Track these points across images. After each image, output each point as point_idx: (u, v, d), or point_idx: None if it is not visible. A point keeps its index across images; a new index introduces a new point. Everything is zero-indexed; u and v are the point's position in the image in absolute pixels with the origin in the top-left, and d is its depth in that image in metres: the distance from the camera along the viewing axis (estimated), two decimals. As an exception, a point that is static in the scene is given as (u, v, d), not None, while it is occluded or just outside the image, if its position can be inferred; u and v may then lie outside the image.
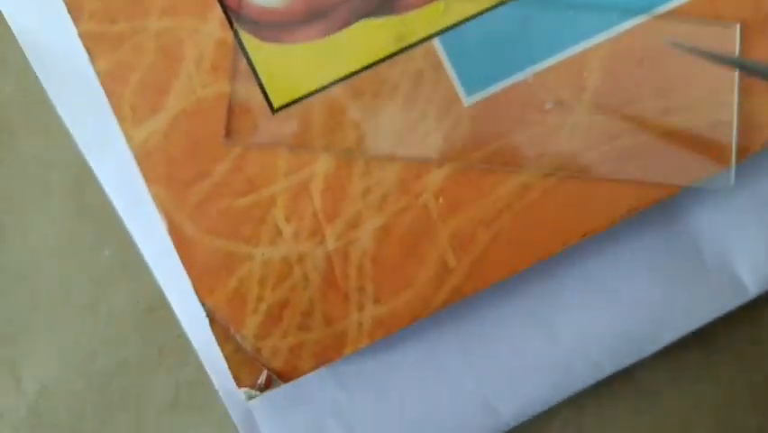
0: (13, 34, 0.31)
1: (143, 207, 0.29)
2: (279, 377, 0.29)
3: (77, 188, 0.34)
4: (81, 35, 0.29)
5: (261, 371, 0.28)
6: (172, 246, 0.28)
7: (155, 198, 0.28)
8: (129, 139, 0.28)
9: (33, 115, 0.35)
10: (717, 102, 0.28)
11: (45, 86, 0.31)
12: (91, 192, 0.33)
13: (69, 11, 0.29)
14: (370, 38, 0.28)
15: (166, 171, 0.28)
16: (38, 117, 0.34)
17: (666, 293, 0.31)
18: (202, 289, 0.28)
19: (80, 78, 0.30)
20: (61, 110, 0.31)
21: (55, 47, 0.30)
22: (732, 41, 0.28)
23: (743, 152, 0.28)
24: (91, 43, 0.28)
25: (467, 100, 0.28)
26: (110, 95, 0.28)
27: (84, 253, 0.34)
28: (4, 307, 0.35)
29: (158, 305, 0.33)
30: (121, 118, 0.28)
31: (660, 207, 0.28)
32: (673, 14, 0.28)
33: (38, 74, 0.32)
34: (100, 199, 0.32)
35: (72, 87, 0.30)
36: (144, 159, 0.28)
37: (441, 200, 0.28)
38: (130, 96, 0.28)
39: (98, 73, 0.28)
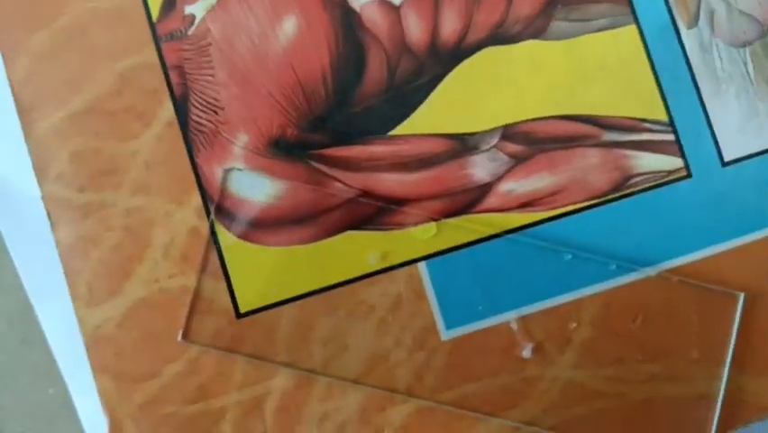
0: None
1: (91, 393, 0.27)
2: None
3: (26, 316, 0.32)
4: (44, 198, 0.27)
5: None
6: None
7: (100, 390, 0.26)
8: (80, 321, 0.26)
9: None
10: (706, 374, 0.27)
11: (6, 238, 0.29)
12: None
13: (35, 168, 0.27)
14: (353, 252, 0.26)
15: (115, 364, 0.26)
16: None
17: None
18: (133, 496, 0.26)
19: (39, 231, 0.28)
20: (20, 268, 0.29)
21: (19, 200, 0.28)
22: (733, 310, 0.27)
23: (722, 428, 0.27)
24: (54, 208, 0.27)
25: (445, 334, 0.26)
26: (67, 268, 0.26)
27: (25, 386, 0.33)
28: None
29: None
30: (75, 296, 0.26)
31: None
32: (676, 273, 0.27)
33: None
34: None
35: (34, 248, 0.28)
36: (94, 346, 0.26)
37: (402, 439, 0.27)
38: (88, 275, 0.26)
39: (58, 243, 0.26)
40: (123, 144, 0.26)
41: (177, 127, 0.26)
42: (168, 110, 0.27)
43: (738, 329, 0.27)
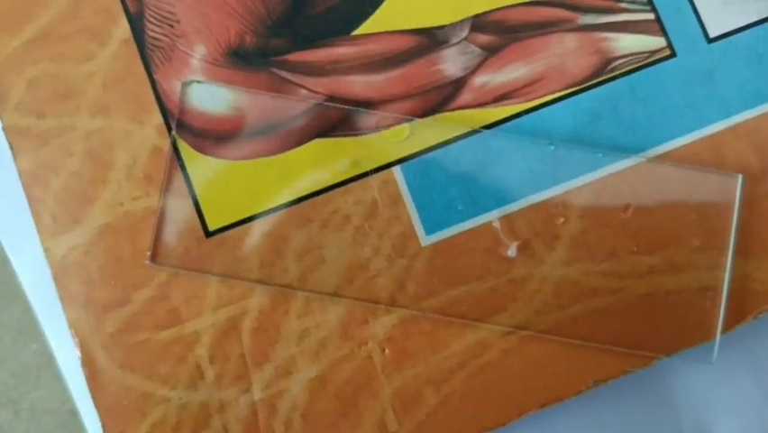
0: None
1: (63, 321, 0.26)
2: None
3: (3, 273, 0.32)
4: (5, 128, 0.26)
5: None
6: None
7: (70, 321, 0.25)
8: (47, 251, 0.25)
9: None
10: (708, 263, 0.25)
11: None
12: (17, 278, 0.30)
13: (-6, 98, 0.26)
14: (323, 160, 0.25)
15: (84, 293, 0.25)
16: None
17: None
18: (111, 430, 0.24)
19: (4, 170, 0.27)
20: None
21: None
22: (732, 193, 0.25)
23: (730, 322, 0.25)
24: (15, 138, 0.26)
25: (425, 239, 0.25)
26: (31, 198, 0.25)
27: (7, 343, 0.32)
28: None
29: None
30: (40, 226, 0.25)
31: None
32: (669, 158, 0.26)
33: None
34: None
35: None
36: (62, 276, 0.25)
37: (387, 352, 0.25)
38: (51, 203, 0.25)
39: (20, 172, 0.25)
40: (80, 67, 0.25)
41: (133, 45, 0.25)
42: (123, 28, 0.26)
43: (739, 213, 0.25)
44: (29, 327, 0.30)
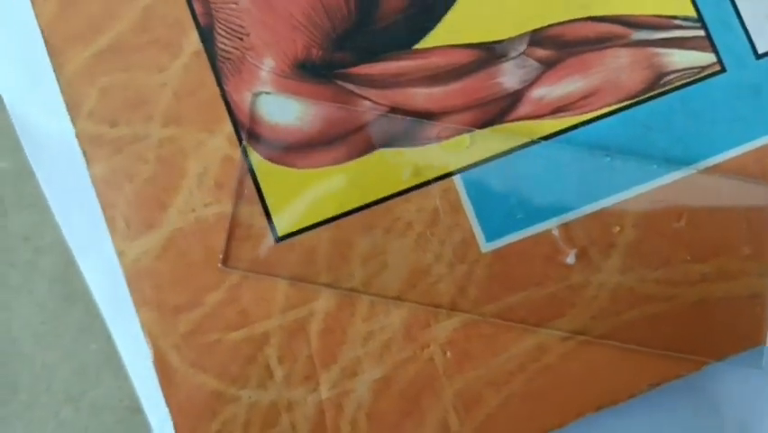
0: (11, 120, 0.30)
1: (130, 322, 0.27)
2: None
3: (67, 274, 0.33)
4: (78, 135, 0.27)
5: None
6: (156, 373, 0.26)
7: (143, 322, 0.26)
8: (120, 254, 0.26)
9: (25, 193, 0.33)
10: (757, 271, 0.26)
11: (37, 174, 0.30)
12: (80, 280, 0.31)
13: (68, 107, 0.27)
14: (386, 169, 0.26)
15: (156, 296, 0.26)
16: (30, 196, 0.33)
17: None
18: (182, 427, 0.25)
19: (76, 176, 0.28)
20: (53, 205, 0.29)
21: (51, 139, 0.28)
22: (778, 203, 0.26)
23: (781, 328, 0.26)
24: (88, 145, 0.27)
25: (485, 246, 0.26)
26: (104, 204, 0.26)
27: (68, 342, 0.33)
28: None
29: (141, 407, 0.31)
30: (113, 231, 0.26)
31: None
32: (719, 169, 0.27)
33: (31, 161, 0.30)
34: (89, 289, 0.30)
35: (66, 184, 0.28)
36: (135, 279, 0.26)
37: (448, 354, 0.26)
38: (124, 208, 0.26)
39: (93, 178, 0.27)
40: (152, 77, 0.27)
41: (204, 56, 0.26)
42: (193, 40, 0.27)
43: (788, 223, 0.26)
44: (90, 328, 0.31)
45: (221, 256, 0.26)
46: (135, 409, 0.32)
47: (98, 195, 0.26)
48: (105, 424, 0.32)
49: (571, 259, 0.26)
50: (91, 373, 0.32)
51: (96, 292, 0.29)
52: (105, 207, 0.26)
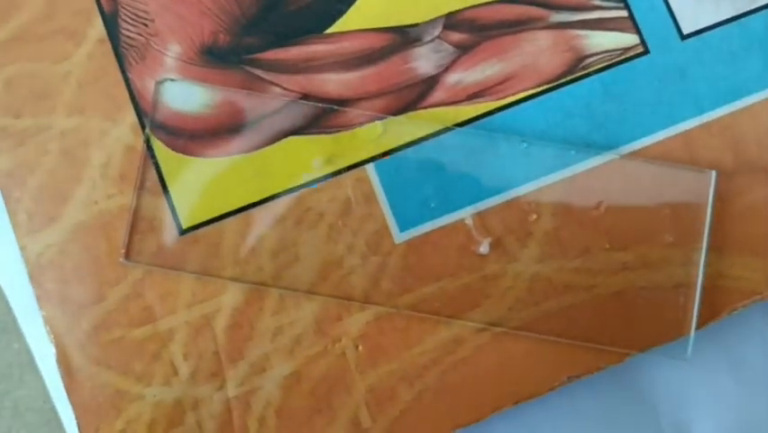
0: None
1: (39, 319, 0.26)
2: None
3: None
4: (-18, 129, 0.26)
5: None
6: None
7: (46, 319, 0.25)
8: (23, 249, 0.25)
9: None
10: (681, 260, 0.25)
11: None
12: None
13: (-28, 101, 0.26)
14: (296, 158, 0.25)
15: (60, 291, 0.25)
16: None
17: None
18: (86, 427, 0.25)
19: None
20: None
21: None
22: (705, 189, 0.25)
23: (704, 318, 0.25)
24: (-8, 138, 0.26)
25: (399, 236, 0.25)
26: (7, 197, 0.26)
27: (-10, 343, 0.32)
28: None
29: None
30: (16, 225, 0.25)
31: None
32: (643, 154, 0.26)
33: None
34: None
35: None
36: (38, 274, 0.25)
37: (360, 349, 0.25)
38: (27, 202, 0.25)
39: (-3, 173, 0.26)
40: (56, 66, 0.26)
41: (108, 44, 0.26)
42: (98, 28, 0.26)
43: (712, 209, 0.25)
44: (11, 327, 0.30)
45: (123, 250, 0.25)
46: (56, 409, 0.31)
47: (2, 189, 0.26)
48: (29, 426, 0.31)
49: (484, 248, 0.25)
50: (14, 373, 0.32)
51: (7, 290, 0.28)
52: (7, 202, 0.25)
